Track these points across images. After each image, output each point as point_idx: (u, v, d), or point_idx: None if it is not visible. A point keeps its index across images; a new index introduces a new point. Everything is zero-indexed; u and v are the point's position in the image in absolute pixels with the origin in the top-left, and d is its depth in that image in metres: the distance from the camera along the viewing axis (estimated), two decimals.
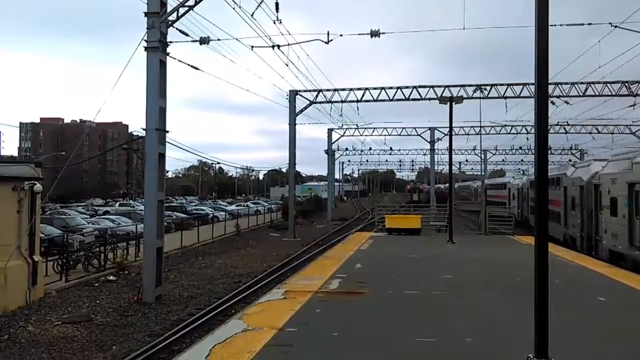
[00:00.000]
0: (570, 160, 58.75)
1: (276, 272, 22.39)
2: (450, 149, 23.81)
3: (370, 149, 75.47)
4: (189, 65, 20.06)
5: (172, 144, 19.06)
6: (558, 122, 49.79)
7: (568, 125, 51.57)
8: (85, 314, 15.27)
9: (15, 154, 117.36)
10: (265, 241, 36.37)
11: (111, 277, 20.15)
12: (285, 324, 8.45)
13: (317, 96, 39.19)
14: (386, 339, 7.78)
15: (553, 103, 37.73)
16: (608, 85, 35.10)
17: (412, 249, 19.14)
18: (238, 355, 6.91)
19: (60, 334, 13.18)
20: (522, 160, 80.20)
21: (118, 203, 70.19)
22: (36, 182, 16.50)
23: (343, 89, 38.98)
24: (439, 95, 34.68)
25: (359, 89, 38.54)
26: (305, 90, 38.49)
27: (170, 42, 17.44)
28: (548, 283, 5.54)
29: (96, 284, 19.13)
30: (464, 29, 22.76)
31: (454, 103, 22.18)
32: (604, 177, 19.68)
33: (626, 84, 35.08)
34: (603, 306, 10.17)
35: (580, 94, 35.88)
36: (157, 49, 16.73)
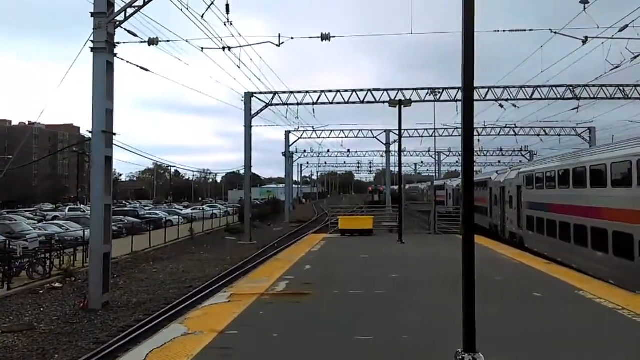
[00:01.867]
0: (520, 161, 60.69)
1: (229, 275, 22.32)
2: (399, 151, 24.29)
3: (328, 150, 75.98)
4: (137, 66, 19.81)
5: (120, 147, 18.79)
6: (506, 125, 51.29)
7: (517, 127, 53.16)
8: (28, 322, 14.86)
9: None
10: (221, 245, 36.11)
11: (57, 284, 19.63)
12: (227, 327, 8.45)
13: (272, 99, 39.22)
14: (325, 338, 7.91)
15: (501, 106, 39.02)
16: (554, 88, 36.47)
17: (362, 250, 19.39)
18: (175, 359, 6.89)
19: (0, 344, 12.78)
20: (475, 162, 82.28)
21: (68, 208, 67.99)
22: None
23: (299, 92, 39.14)
24: (393, 98, 35.25)
25: (314, 91, 38.80)
26: (260, 93, 38.47)
27: (118, 42, 17.18)
28: (474, 278, 5.76)
29: (41, 292, 18.63)
30: (411, 33, 23.09)
31: (403, 106, 22.64)
32: (507, 181, 27.32)
33: (570, 88, 36.54)
34: (538, 301, 10.59)
35: (528, 97, 37.17)
36: (104, 50, 16.47)
